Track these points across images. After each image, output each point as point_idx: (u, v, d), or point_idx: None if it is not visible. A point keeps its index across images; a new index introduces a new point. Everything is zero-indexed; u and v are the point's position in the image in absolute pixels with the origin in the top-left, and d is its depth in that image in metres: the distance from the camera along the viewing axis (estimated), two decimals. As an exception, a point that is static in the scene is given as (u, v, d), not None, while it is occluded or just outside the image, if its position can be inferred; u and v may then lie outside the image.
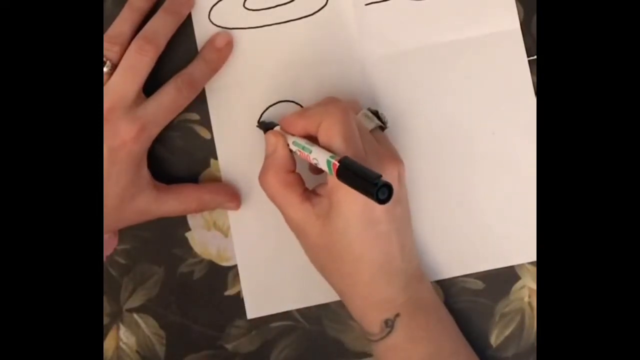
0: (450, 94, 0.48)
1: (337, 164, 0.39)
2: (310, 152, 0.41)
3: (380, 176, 0.37)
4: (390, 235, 0.42)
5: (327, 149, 0.41)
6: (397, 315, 0.42)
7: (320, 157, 0.40)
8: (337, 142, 0.40)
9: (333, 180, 0.40)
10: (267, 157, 0.44)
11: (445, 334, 0.44)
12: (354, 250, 0.41)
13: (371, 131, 0.44)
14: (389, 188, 0.36)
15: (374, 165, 0.40)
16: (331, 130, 0.41)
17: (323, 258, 0.43)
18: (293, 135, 0.43)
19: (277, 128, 0.45)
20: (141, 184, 0.45)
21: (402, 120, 0.47)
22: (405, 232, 0.43)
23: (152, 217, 0.46)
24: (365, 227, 0.41)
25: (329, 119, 0.41)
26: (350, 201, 0.40)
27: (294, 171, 0.43)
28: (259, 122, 0.47)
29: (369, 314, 0.43)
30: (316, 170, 0.44)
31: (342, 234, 0.41)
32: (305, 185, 0.44)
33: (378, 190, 0.36)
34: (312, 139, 0.42)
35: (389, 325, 0.42)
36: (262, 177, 0.43)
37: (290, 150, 0.43)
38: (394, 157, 0.43)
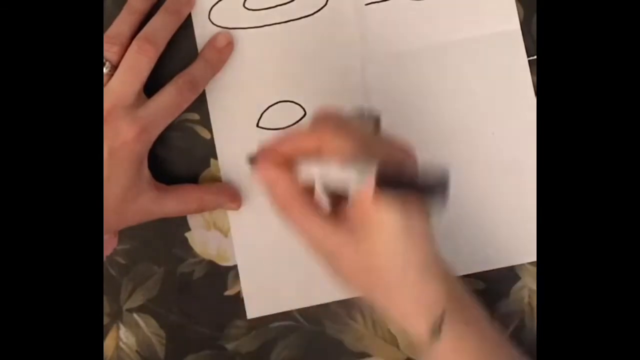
0: (450, 94, 0.48)
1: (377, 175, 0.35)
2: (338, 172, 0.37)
3: (444, 176, 0.34)
4: (427, 231, 0.39)
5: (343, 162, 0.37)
6: (444, 312, 0.39)
7: (347, 170, 0.37)
8: (351, 150, 0.37)
9: (362, 196, 0.37)
10: (271, 198, 0.40)
11: (489, 321, 0.41)
12: (399, 260, 0.39)
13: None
14: (447, 184, 0.34)
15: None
16: (341, 142, 0.38)
17: (362, 279, 0.40)
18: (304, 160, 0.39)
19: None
20: (142, 184, 0.45)
21: (402, 120, 0.47)
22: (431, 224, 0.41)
23: (153, 217, 0.46)
24: (406, 235, 0.38)
25: (331, 129, 0.38)
26: (385, 214, 0.37)
27: (310, 204, 0.39)
28: (250, 159, 0.41)
29: (419, 315, 0.39)
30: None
31: (383, 252, 0.38)
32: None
33: (445, 189, 0.33)
34: None
35: (436, 326, 0.39)
36: (282, 209, 0.40)
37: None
38: (410, 149, 0.40)
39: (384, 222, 0.38)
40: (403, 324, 0.40)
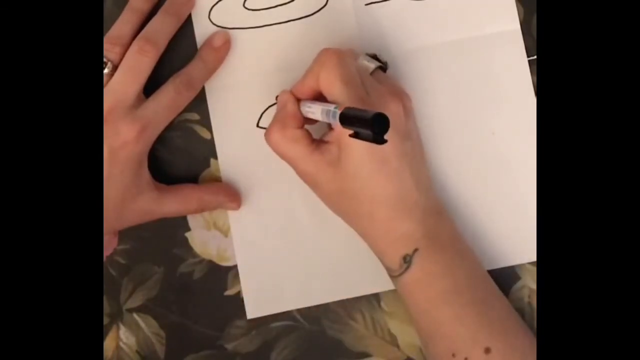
0: (450, 94, 0.48)
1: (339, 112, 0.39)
2: (317, 109, 0.42)
3: (375, 113, 0.36)
4: (403, 171, 0.42)
5: (330, 97, 0.42)
6: (416, 250, 0.42)
7: (325, 111, 0.41)
8: (337, 87, 0.41)
9: (339, 126, 0.39)
10: (275, 115, 0.44)
11: (462, 268, 0.43)
12: (368, 191, 0.42)
13: (372, 73, 0.44)
14: (384, 120, 0.35)
15: (376, 104, 0.41)
16: (329, 77, 0.42)
17: (339, 203, 0.44)
18: (304, 100, 0.44)
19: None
20: (142, 184, 0.45)
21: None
22: (419, 166, 0.43)
23: (153, 217, 0.46)
24: (376, 166, 0.41)
25: (325, 68, 0.42)
26: (358, 143, 0.39)
27: (301, 127, 0.44)
28: None
29: (389, 250, 0.43)
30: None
31: (353, 177, 0.41)
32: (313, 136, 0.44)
33: (373, 125, 0.35)
34: (322, 98, 0.43)
35: (406, 260, 0.42)
36: (269, 134, 0.44)
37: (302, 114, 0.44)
38: (397, 92, 0.43)
39: (354, 147, 0.41)
40: (376, 254, 0.44)
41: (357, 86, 0.41)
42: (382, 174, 0.41)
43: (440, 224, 0.43)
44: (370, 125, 0.35)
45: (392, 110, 0.42)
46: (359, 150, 0.41)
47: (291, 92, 0.44)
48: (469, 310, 0.42)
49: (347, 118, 0.38)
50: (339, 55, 0.42)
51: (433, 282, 0.42)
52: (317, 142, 0.43)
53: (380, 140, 0.35)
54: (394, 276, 0.43)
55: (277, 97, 0.45)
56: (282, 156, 0.44)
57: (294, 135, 0.43)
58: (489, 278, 0.44)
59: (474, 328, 0.41)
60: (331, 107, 0.40)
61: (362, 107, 0.39)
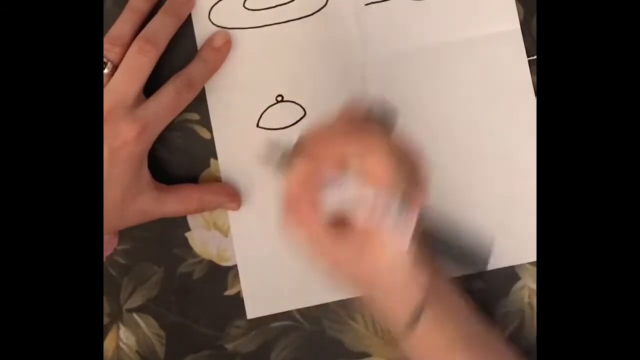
0: (450, 94, 0.48)
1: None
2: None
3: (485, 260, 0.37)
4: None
5: (377, 185, 0.38)
6: (424, 303, 0.41)
7: (375, 201, 0.37)
8: (395, 178, 0.38)
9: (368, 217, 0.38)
10: (285, 194, 0.40)
11: (466, 308, 0.43)
12: (399, 274, 0.40)
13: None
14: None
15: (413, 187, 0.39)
16: (384, 166, 0.38)
17: (360, 284, 0.42)
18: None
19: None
20: (142, 184, 0.45)
21: (401, 120, 0.47)
22: None
23: (153, 217, 0.46)
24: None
25: (376, 152, 0.38)
26: (392, 241, 0.38)
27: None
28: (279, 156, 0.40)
29: (400, 309, 0.41)
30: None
31: (385, 267, 0.40)
32: None
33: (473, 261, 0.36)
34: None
35: (417, 311, 0.41)
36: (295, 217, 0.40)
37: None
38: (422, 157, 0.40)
39: (389, 243, 0.39)
40: (386, 317, 0.43)
41: (411, 172, 0.38)
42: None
43: (439, 276, 0.43)
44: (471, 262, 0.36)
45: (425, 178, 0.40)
46: (394, 248, 0.39)
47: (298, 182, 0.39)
48: (479, 352, 0.42)
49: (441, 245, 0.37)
50: (365, 121, 0.39)
51: (439, 332, 0.42)
52: (337, 223, 0.39)
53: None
54: (404, 332, 0.42)
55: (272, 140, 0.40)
56: (313, 242, 0.40)
57: (315, 216, 0.39)
58: (481, 313, 0.44)
59: None
60: (394, 204, 0.37)
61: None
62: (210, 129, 0.48)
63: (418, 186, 0.39)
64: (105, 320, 0.48)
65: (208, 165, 0.48)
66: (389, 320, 0.43)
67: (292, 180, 0.39)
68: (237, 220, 0.48)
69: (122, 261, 0.48)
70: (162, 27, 0.46)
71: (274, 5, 0.48)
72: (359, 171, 0.38)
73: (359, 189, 0.38)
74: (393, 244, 0.39)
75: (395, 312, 0.42)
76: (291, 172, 0.39)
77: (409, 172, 0.39)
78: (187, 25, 0.48)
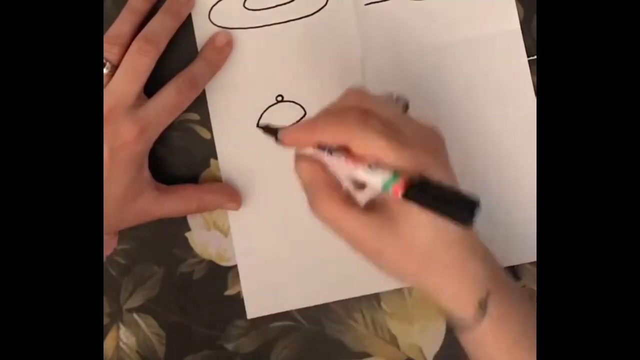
0: (450, 94, 0.48)
1: (403, 186, 0.35)
2: (370, 177, 0.37)
3: (470, 198, 0.34)
4: None
5: (376, 160, 0.37)
6: (488, 292, 0.39)
7: (373, 177, 0.37)
8: (392, 152, 0.37)
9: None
10: (310, 187, 0.39)
11: (530, 310, 0.40)
12: (440, 240, 0.38)
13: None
14: (477, 204, 0.34)
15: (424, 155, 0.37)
16: (378, 142, 0.37)
17: (407, 266, 0.39)
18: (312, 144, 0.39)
19: (285, 133, 0.39)
20: (142, 184, 0.45)
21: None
22: None
23: (153, 217, 0.46)
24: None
25: (368, 129, 0.37)
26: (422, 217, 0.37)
27: (341, 187, 0.38)
28: (263, 127, 0.41)
29: (461, 298, 0.39)
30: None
31: (423, 234, 0.38)
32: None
33: (464, 210, 0.34)
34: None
35: (482, 306, 0.39)
36: (317, 208, 0.39)
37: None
38: (439, 138, 0.40)
39: (416, 210, 0.37)
40: (450, 306, 0.40)
41: (413, 147, 0.37)
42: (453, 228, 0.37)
43: (500, 265, 0.41)
44: (461, 210, 0.34)
45: (442, 159, 0.39)
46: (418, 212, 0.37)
47: (314, 164, 0.39)
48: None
49: (425, 195, 0.35)
50: (370, 103, 0.38)
51: (506, 327, 0.39)
52: (365, 208, 0.38)
53: (469, 222, 0.33)
54: (466, 327, 0.39)
55: (277, 136, 0.40)
56: (339, 229, 0.39)
57: (344, 200, 0.38)
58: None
59: None
60: (387, 174, 0.36)
61: (416, 169, 0.36)
62: (210, 129, 0.48)
63: (440, 165, 0.38)
64: (105, 320, 0.48)
65: (208, 165, 0.48)
66: (447, 305, 0.40)
67: (311, 180, 0.39)
68: (237, 220, 0.48)
69: (122, 261, 0.48)
70: (162, 27, 0.45)
71: (274, 5, 0.48)
72: (364, 155, 0.37)
73: (358, 173, 0.37)
74: (424, 219, 0.37)
75: (453, 298, 0.40)
76: (304, 172, 0.39)
77: (428, 150, 0.38)
78: (187, 25, 0.48)
